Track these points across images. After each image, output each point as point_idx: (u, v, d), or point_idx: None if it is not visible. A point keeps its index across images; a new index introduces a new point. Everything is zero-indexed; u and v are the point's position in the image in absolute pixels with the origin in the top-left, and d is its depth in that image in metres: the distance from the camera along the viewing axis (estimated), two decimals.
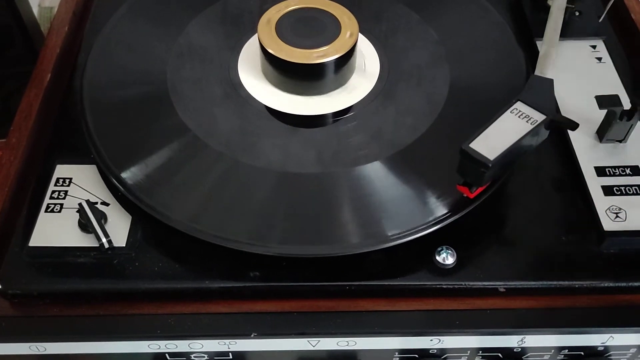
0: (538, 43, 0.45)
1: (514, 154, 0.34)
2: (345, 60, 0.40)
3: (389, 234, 0.35)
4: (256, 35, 0.42)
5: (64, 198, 0.38)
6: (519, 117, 0.35)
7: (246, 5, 0.47)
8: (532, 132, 0.34)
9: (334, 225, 0.35)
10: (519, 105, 0.36)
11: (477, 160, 0.33)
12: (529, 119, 0.35)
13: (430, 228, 0.35)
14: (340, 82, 0.42)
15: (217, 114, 0.41)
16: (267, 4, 0.43)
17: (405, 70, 0.43)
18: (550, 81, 0.38)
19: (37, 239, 0.36)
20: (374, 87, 0.42)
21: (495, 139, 0.34)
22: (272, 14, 0.41)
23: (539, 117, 0.35)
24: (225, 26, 0.45)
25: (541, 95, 0.36)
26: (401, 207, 0.36)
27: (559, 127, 0.36)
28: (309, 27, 0.41)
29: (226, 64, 0.43)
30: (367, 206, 0.36)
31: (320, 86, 0.41)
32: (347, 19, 0.41)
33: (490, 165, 0.33)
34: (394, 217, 0.35)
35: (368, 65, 0.43)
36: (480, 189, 0.35)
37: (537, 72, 0.39)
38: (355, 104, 0.41)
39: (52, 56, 0.46)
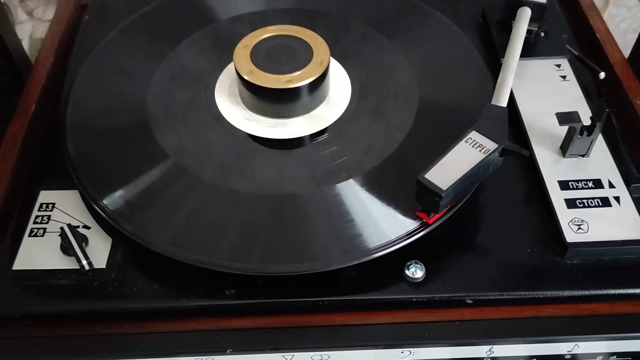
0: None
1: (468, 182, 0.36)
2: (317, 84, 0.42)
3: (360, 251, 0.36)
4: (232, 63, 0.43)
5: (47, 222, 0.39)
6: (472, 146, 0.37)
7: (223, 34, 0.49)
8: (485, 161, 0.36)
9: (307, 244, 0.37)
10: (473, 134, 0.37)
11: (431, 190, 0.35)
12: (482, 148, 0.36)
13: (400, 243, 0.36)
14: (313, 105, 0.43)
15: (195, 140, 0.42)
16: (244, 31, 0.45)
17: (375, 92, 0.44)
18: (505, 109, 0.40)
19: (21, 262, 0.37)
20: (345, 110, 0.43)
21: (449, 169, 0.36)
22: (248, 41, 0.43)
23: (492, 146, 0.37)
24: (203, 55, 0.47)
25: (495, 123, 0.38)
26: (371, 224, 0.37)
27: (512, 155, 0.38)
28: (283, 53, 0.42)
29: (203, 91, 0.45)
30: (338, 224, 0.37)
31: (293, 110, 0.43)
32: (319, 45, 0.43)
33: (443, 195, 0.35)
34: (365, 234, 0.37)
35: (339, 88, 0.45)
36: (437, 215, 0.37)
37: (493, 101, 0.40)
38: (328, 126, 0.43)
39: (37, 87, 0.48)
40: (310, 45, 0.43)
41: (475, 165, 0.36)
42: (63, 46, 0.52)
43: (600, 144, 0.42)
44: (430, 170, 0.36)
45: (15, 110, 0.46)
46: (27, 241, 0.38)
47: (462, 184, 0.36)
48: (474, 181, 0.37)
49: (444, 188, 0.35)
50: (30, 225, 0.39)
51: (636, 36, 0.66)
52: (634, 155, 0.42)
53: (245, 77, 0.41)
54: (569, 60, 0.48)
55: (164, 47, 0.47)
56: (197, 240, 0.37)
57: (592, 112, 0.43)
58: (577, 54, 0.47)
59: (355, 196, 0.39)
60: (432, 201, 0.36)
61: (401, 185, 0.39)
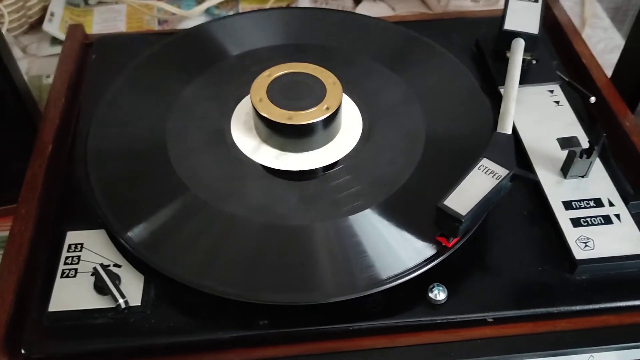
0: (501, 90, 0.50)
1: (484, 207, 0.38)
2: (332, 119, 0.44)
3: (385, 277, 0.38)
4: (247, 97, 0.45)
5: (77, 263, 0.40)
6: (485, 173, 0.39)
7: (237, 70, 0.50)
8: (497, 187, 0.38)
9: (335, 273, 0.39)
10: (484, 161, 0.40)
11: (451, 216, 0.37)
12: (494, 174, 0.39)
13: (423, 268, 0.38)
14: (327, 139, 0.45)
15: (215, 173, 0.44)
16: (255, 67, 0.47)
17: (385, 123, 0.47)
18: (510, 137, 0.42)
19: (56, 304, 0.38)
20: (358, 142, 0.45)
21: (466, 195, 0.38)
22: (262, 79, 0.45)
23: (503, 172, 0.39)
24: (219, 89, 0.49)
25: (503, 150, 0.41)
26: (394, 251, 0.39)
27: (519, 180, 0.40)
28: (297, 90, 0.44)
29: (220, 125, 0.46)
30: (364, 254, 0.39)
31: (309, 143, 0.45)
32: (331, 82, 0.45)
33: (463, 220, 0.37)
34: (388, 261, 0.39)
35: (351, 121, 0.47)
36: (456, 239, 0.39)
37: (498, 129, 0.43)
38: (342, 158, 0.45)
39: (51, 127, 0.49)
40: (323, 83, 0.45)
41: (490, 191, 0.38)
42: (72, 85, 0.53)
43: (596, 165, 0.45)
44: (449, 197, 0.38)
45: (33, 151, 0.47)
46: (59, 283, 0.39)
47: (478, 209, 0.38)
48: (488, 205, 0.39)
49: (464, 213, 0.37)
50: (61, 266, 0.40)
51: (613, 56, 0.71)
52: (627, 174, 0.45)
53: (265, 115, 0.43)
54: (560, 86, 0.51)
55: (180, 82, 0.49)
56: (228, 273, 0.38)
57: (587, 136, 0.46)
58: (567, 79, 0.51)
59: (381, 225, 0.41)
60: (452, 226, 0.38)
61: (419, 212, 0.41)
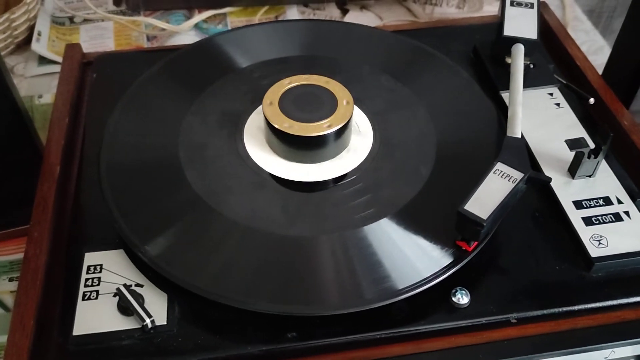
0: (502, 95, 0.51)
1: (502, 210, 0.39)
2: (344, 130, 0.44)
3: (408, 285, 0.38)
4: (258, 109, 0.45)
5: (98, 285, 0.40)
6: (501, 177, 0.40)
7: (245, 83, 0.50)
8: (514, 190, 0.39)
9: (361, 283, 0.39)
10: (499, 166, 0.41)
11: (472, 221, 0.38)
12: (510, 178, 0.40)
13: (446, 273, 0.39)
14: (339, 150, 0.46)
15: (229, 185, 0.44)
16: (267, 79, 0.47)
17: (395, 133, 0.47)
18: (522, 140, 0.43)
19: (80, 327, 0.38)
20: (370, 151, 0.46)
21: (485, 200, 0.39)
22: (274, 91, 0.45)
23: (518, 176, 0.40)
24: (228, 102, 0.49)
25: (516, 154, 0.42)
26: (417, 258, 0.40)
27: (534, 182, 0.41)
28: (308, 102, 0.45)
29: (233, 137, 0.46)
30: (387, 261, 0.39)
31: (321, 154, 0.45)
32: (342, 93, 0.45)
33: (484, 223, 0.38)
34: (412, 268, 0.39)
35: (362, 132, 0.47)
36: (476, 243, 0.40)
37: (508, 133, 0.44)
38: (355, 168, 0.45)
39: (57, 149, 0.48)
40: (335, 96, 0.45)
41: (507, 195, 0.39)
42: (74, 105, 0.52)
43: (602, 165, 0.46)
44: (469, 202, 0.39)
45: (40, 173, 0.46)
46: (82, 305, 0.39)
47: (498, 213, 0.39)
48: (506, 209, 0.40)
49: (485, 217, 0.38)
50: (82, 289, 0.39)
51: (597, 57, 0.73)
52: (629, 172, 0.47)
53: (277, 127, 0.43)
54: (559, 89, 0.52)
55: (190, 96, 0.49)
56: (253, 286, 0.38)
57: (590, 137, 0.48)
58: (565, 82, 0.52)
59: (403, 232, 0.41)
60: (473, 230, 0.38)
61: (438, 219, 0.42)
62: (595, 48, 0.76)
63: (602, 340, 0.39)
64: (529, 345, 0.39)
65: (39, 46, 0.72)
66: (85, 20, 0.78)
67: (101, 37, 0.76)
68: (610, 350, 0.39)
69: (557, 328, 0.39)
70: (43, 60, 0.72)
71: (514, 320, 0.39)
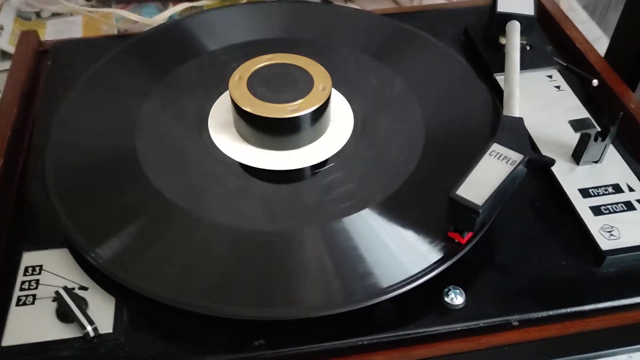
0: (497, 77, 0.47)
1: (500, 196, 0.34)
2: (317, 115, 0.40)
3: (393, 283, 0.33)
4: (224, 93, 0.40)
5: (35, 288, 0.34)
6: (497, 158, 0.35)
7: (212, 67, 0.46)
8: (513, 173, 0.35)
9: (341, 281, 0.34)
10: (495, 147, 0.36)
11: (466, 207, 0.33)
12: (508, 160, 0.35)
13: (437, 269, 0.34)
14: (315, 135, 0.41)
15: (192, 177, 0.39)
16: (234, 63, 0.42)
17: (380, 117, 0.43)
18: (520, 120, 0.39)
19: (11, 337, 0.32)
20: (350, 137, 0.41)
21: (479, 184, 0.34)
22: (243, 71, 0.40)
23: (517, 157, 0.35)
24: (190, 88, 0.44)
25: (515, 135, 0.37)
26: (403, 252, 0.35)
27: (536, 165, 0.36)
28: (281, 82, 0.40)
29: (196, 125, 0.41)
30: (369, 257, 0.34)
31: (294, 140, 0.40)
32: (319, 72, 0.40)
33: (480, 210, 0.33)
34: (396, 265, 0.34)
35: (341, 116, 0.43)
36: (470, 234, 0.35)
37: (505, 113, 0.39)
38: (333, 155, 0.40)
39: (3, 140, 0.43)
40: (309, 73, 0.40)
41: (505, 178, 0.34)
42: (25, 95, 0.47)
43: (609, 149, 0.41)
44: (461, 187, 0.34)
45: None
46: (15, 312, 0.33)
47: (495, 199, 0.34)
48: (504, 195, 0.35)
49: (480, 203, 0.33)
50: (17, 293, 0.34)
51: (595, 47, 0.68)
52: (638, 157, 0.42)
53: (245, 109, 0.39)
54: (559, 71, 0.48)
55: (147, 82, 0.44)
56: (213, 287, 0.33)
57: (594, 119, 0.43)
58: (565, 64, 0.48)
59: (388, 224, 0.36)
60: (468, 219, 0.34)
61: (424, 210, 0.37)
62: (592, 39, 0.71)
63: (617, 344, 0.34)
64: (533, 351, 0.34)
65: (0, 40, 0.68)
66: (53, 15, 0.74)
67: (69, 31, 0.72)
68: (627, 355, 0.34)
69: (565, 331, 0.34)
70: (5, 55, 0.68)
71: (515, 323, 0.34)
